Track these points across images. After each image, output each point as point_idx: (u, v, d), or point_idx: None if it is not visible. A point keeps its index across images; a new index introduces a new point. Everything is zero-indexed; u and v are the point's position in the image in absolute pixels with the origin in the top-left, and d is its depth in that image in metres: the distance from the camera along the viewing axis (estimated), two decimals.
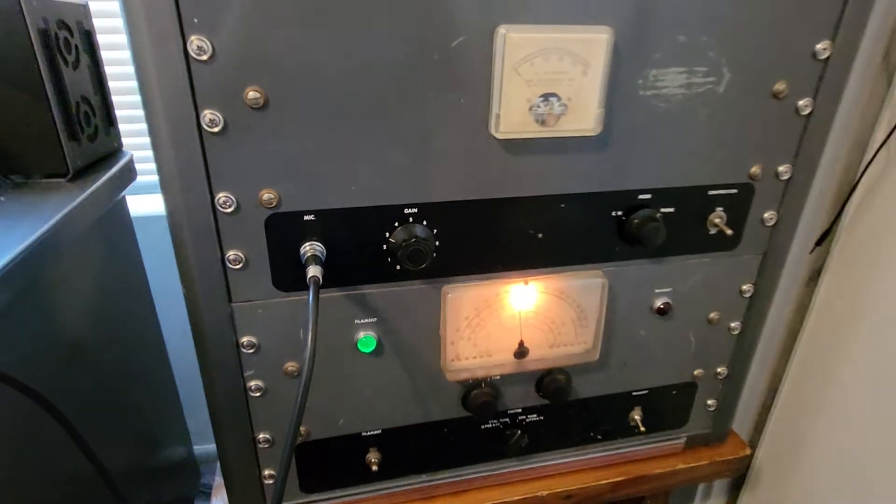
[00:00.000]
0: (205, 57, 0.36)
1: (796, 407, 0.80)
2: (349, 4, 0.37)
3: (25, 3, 0.58)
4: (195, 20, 0.36)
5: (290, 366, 0.49)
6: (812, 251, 0.68)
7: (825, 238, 0.67)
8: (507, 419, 0.59)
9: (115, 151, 0.77)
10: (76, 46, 0.68)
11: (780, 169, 0.52)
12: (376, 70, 0.39)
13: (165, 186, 0.40)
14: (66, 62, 0.65)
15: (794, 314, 0.79)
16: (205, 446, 1.09)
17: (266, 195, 0.42)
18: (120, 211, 0.78)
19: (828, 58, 0.47)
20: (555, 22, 0.41)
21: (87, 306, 0.69)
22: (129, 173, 0.76)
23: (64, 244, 0.57)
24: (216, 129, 0.39)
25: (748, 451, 0.68)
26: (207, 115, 0.38)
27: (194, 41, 0.36)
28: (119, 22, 0.84)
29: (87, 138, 0.69)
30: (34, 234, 0.52)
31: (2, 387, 0.41)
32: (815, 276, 0.74)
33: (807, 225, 0.72)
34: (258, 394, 0.50)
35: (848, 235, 0.69)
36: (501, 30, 0.40)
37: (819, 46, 0.47)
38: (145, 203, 0.98)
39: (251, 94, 0.38)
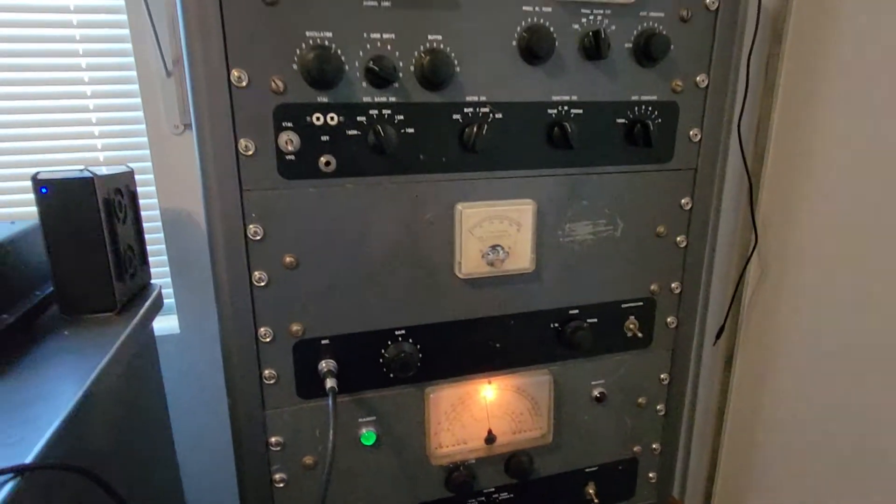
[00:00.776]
0: (258, 238, 0.54)
1: (733, 478, 0.93)
2: (355, 200, 0.55)
3: (97, 180, 0.76)
4: (253, 214, 0.53)
5: (308, 459, 0.62)
6: (714, 344, 0.86)
7: (721, 334, 0.84)
8: (483, 498, 0.71)
9: (146, 284, 0.92)
10: (125, 206, 0.85)
11: (673, 285, 0.70)
12: (375, 239, 0.57)
13: (223, 323, 0.56)
14: (118, 219, 0.82)
15: (719, 396, 0.94)
16: None
17: (295, 327, 0.57)
18: (150, 333, 0.92)
19: (691, 208, 0.67)
20: (495, 199, 0.60)
21: (114, 426, 0.80)
22: (159, 303, 0.90)
23: (119, 369, 0.71)
24: (262, 284, 0.55)
25: None
26: (257, 274, 0.55)
27: (251, 227, 0.53)
28: (146, 176, 1.03)
29: (129, 277, 0.85)
30: (101, 364, 0.65)
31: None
32: (729, 363, 0.91)
33: (715, 325, 0.90)
34: (281, 485, 0.62)
35: (746, 330, 0.87)
36: (459, 206, 0.59)
37: (683, 201, 0.67)
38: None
39: (287, 260, 0.55)
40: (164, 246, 1.10)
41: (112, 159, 1.04)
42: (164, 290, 1.11)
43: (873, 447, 0.72)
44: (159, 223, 1.08)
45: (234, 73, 0.49)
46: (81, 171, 0.81)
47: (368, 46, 0.52)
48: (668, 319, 0.71)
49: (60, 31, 0.94)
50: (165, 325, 1.13)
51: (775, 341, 0.82)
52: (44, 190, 0.74)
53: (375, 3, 0.51)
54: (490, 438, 0.67)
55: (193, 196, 1.04)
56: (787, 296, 0.80)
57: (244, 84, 0.49)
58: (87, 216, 0.75)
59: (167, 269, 1.11)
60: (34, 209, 1.00)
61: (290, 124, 0.52)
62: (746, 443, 0.90)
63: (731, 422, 0.92)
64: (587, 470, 0.75)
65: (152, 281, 0.95)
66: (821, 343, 0.77)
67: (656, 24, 0.59)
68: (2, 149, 0.96)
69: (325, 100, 0.52)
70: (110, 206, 0.79)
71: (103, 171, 0.79)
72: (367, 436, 0.62)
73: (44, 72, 0.95)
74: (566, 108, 0.59)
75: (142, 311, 0.83)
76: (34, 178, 0.74)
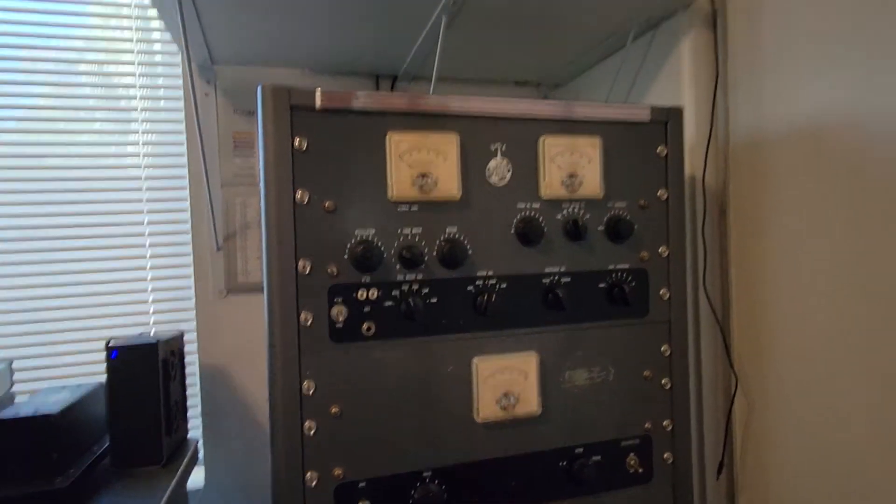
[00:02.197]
0: (310, 392, 0.65)
1: None
2: (390, 358, 0.67)
3: (160, 344, 0.88)
4: (308, 372, 0.65)
5: None
6: (717, 479, 0.92)
7: (721, 469, 0.91)
8: None
9: (185, 438, 1.00)
10: (176, 365, 0.97)
11: (664, 423, 0.79)
12: (405, 390, 0.68)
13: (276, 469, 0.64)
14: (171, 377, 0.93)
15: None
16: None
17: (337, 471, 0.66)
18: (184, 487, 0.97)
19: (670, 354, 0.79)
20: (503, 352, 0.72)
21: None
22: (195, 457, 0.97)
23: None
24: (311, 432, 0.65)
25: None
26: (307, 424, 0.65)
27: (306, 383, 0.64)
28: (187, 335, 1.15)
29: (174, 431, 0.93)
30: None
31: None
32: (731, 497, 0.96)
33: (715, 460, 0.97)
34: None
35: (743, 464, 0.93)
36: (475, 360, 0.70)
37: (662, 349, 0.79)
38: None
39: (334, 410, 0.65)
40: (196, 399, 1.18)
41: (160, 321, 1.18)
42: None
43: None
44: (194, 378, 1.18)
45: (301, 262, 0.64)
46: (142, 335, 0.94)
47: (401, 238, 0.68)
48: (665, 455, 0.79)
49: (132, 216, 1.13)
50: (191, 476, 1.17)
51: (772, 470, 0.89)
52: (114, 354, 0.86)
53: (407, 208, 0.68)
54: None
55: (231, 355, 1.15)
56: (775, 426, 0.88)
57: (307, 271, 0.64)
58: (149, 377, 0.87)
59: (197, 421, 1.18)
60: (88, 368, 1.11)
61: (340, 299, 0.66)
62: None
63: None
64: None
65: (188, 436, 1.03)
66: (815, 470, 0.83)
67: (621, 212, 0.76)
68: (73, 314, 1.10)
69: (368, 280, 0.66)
70: (167, 366, 0.90)
71: (153, 332, 0.92)
72: None
73: (112, 248, 1.13)
74: (557, 277, 0.74)
75: (182, 466, 0.90)
76: (107, 345, 0.87)
